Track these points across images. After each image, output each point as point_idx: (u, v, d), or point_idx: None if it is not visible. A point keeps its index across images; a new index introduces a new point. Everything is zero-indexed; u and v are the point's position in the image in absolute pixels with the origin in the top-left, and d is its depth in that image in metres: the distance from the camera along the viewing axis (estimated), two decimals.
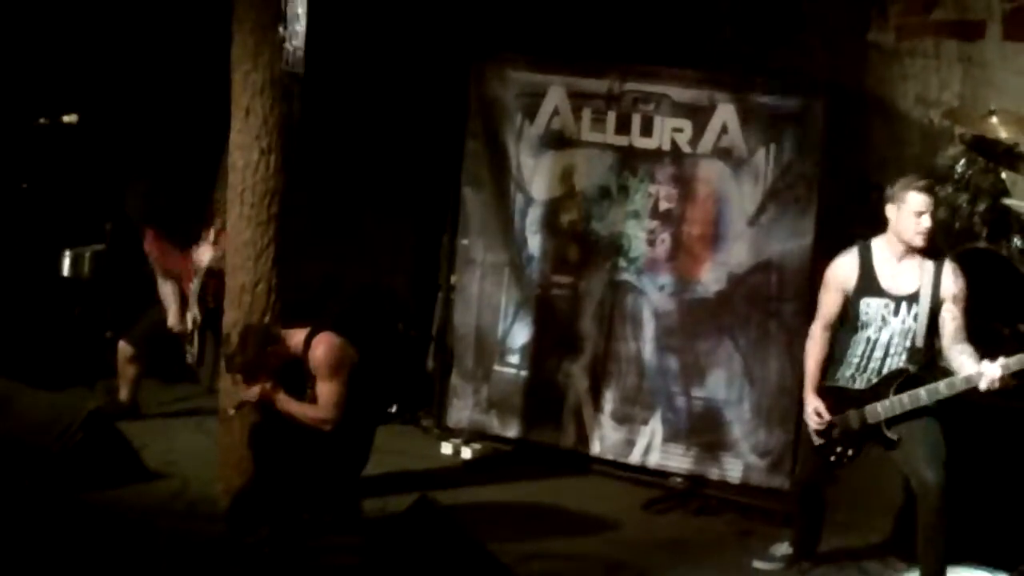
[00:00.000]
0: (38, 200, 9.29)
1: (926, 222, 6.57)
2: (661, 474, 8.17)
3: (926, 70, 8.47)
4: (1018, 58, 8.24)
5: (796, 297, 7.85)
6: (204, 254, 8.47)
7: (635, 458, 8.24)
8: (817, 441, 6.78)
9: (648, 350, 8.20)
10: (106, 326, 9.31)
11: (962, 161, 8.09)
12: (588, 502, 7.95)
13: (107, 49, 9.49)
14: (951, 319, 6.60)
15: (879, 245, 6.71)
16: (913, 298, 6.62)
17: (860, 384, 6.70)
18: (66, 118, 9.02)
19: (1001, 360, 6.41)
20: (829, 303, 6.80)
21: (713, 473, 8.07)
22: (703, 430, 8.09)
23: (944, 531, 6.58)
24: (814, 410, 6.74)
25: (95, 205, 9.37)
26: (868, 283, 6.68)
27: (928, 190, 6.61)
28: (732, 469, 8.03)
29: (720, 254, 8.04)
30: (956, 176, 8.09)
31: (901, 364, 6.63)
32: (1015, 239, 7.84)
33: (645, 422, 8.21)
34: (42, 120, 8.98)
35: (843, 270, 6.75)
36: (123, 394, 8.77)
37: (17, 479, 7.38)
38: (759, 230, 7.95)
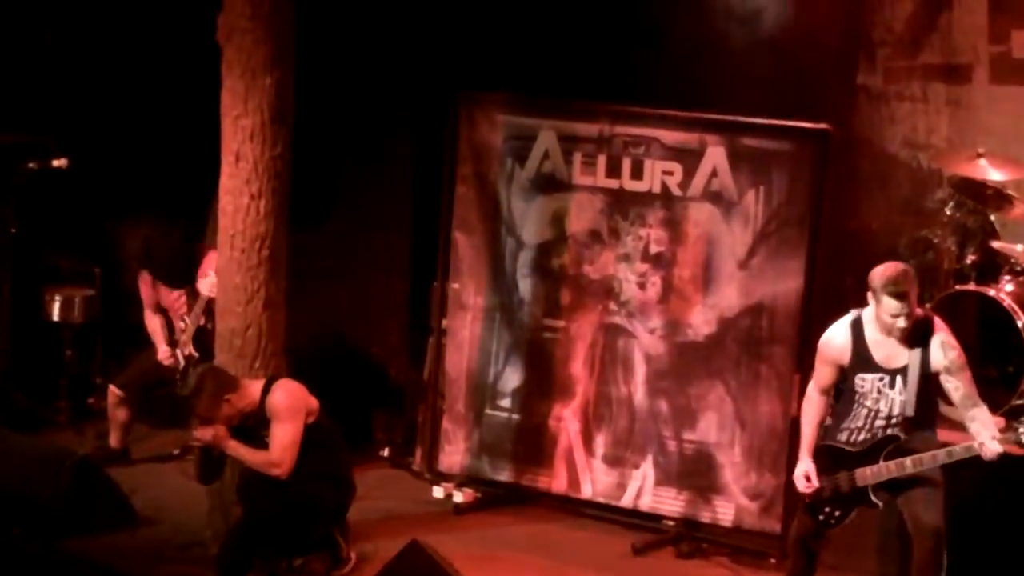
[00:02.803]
0: (28, 244, 9.28)
1: (902, 324, 6.54)
2: (653, 517, 8.14)
3: (914, 113, 8.52)
4: (1005, 101, 8.29)
5: (787, 340, 7.84)
6: (207, 285, 8.47)
7: (627, 501, 8.22)
8: (808, 500, 6.80)
9: (639, 393, 8.19)
10: (96, 371, 9.29)
11: (951, 204, 8.13)
12: (580, 546, 7.94)
13: (97, 94, 9.51)
14: (954, 389, 6.60)
15: (868, 319, 6.69)
16: (904, 371, 6.63)
17: (863, 436, 6.73)
18: (56, 162, 9.01)
19: (999, 436, 6.47)
20: (824, 374, 6.83)
21: (705, 516, 8.06)
22: (695, 473, 8.08)
23: (938, 573, 6.58)
24: (804, 474, 6.78)
25: (85, 249, 9.36)
26: (862, 360, 6.69)
27: (900, 296, 6.50)
28: (724, 512, 8.02)
29: (711, 297, 8.04)
30: (945, 218, 8.13)
31: (894, 426, 6.66)
32: (1004, 281, 7.86)
33: (636, 465, 8.19)
34: (32, 164, 8.97)
35: (836, 346, 6.76)
36: (113, 439, 8.74)
37: (6, 526, 7.36)
38: (750, 273, 7.96)
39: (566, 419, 8.36)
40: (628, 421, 8.23)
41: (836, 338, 6.77)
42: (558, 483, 8.37)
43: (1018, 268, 7.85)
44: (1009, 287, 7.81)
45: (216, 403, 7.07)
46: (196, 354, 8.52)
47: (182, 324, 8.65)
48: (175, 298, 8.69)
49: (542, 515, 8.30)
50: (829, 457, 6.77)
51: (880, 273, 6.57)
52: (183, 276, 8.62)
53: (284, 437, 7.05)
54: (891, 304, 6.52)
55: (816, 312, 7.75)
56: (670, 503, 8.13)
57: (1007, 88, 8.27)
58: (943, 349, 6.59)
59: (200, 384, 7.12)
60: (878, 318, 6.61)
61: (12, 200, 9.08)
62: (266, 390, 7.15)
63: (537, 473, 8.43)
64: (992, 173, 7.91)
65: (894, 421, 6.67)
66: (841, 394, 6.85)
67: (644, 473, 8.19)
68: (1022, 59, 8.25)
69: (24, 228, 9.13)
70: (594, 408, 8.31)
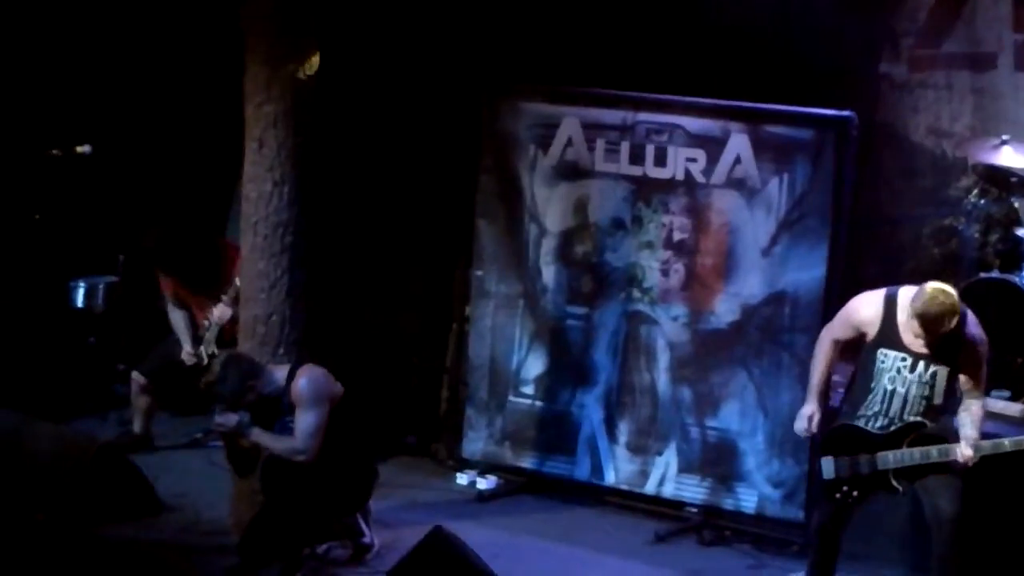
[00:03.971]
0: (51, 231, 9.30)
1: (926, 338, 6.57)
2: (676, 505, 8.14)
3: (938, 102, 8.49)
4: None
5: (809, 328, 7.81)
6: (221, 312, 8.48)
7: (649, 489, 8.22)
8: (827, 476, 6.78)
9: (662, 381, 8.19)
10: (119, 358, 9.31)
11: (974, 192, 8.13)
12: (602, 533, 7.95)
13: (120, 80, 9.52)
14: (965, 380, 6.66)
15: (905, 298, 6.69)
16: (930, 358, 6.63)
17: (881, 423, 6.72)
18: (79, 149, 9.03)
19: (974, 443, 6.57)
20: (842, 331, 6.86)
21: (727, 504, 8.06)
22: (717, 461, 8.08)
23: (958, 563, 6.58)
24: (808, 415, 6.81)
25: (108, 236, 9.38)
26: (888, 335, 6.70)
27: (926, 328, 6.51)
28: (746, 500, 8.01)
29: (733, 285, 8.03)
30: (969, 206, 8.12)
31: (918, 418, 6.65)
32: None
33: (659, 453, 8.19)
34: (55, 151, 8.98)
35: (866, 315, 6.77)
36: (137, 426, 8.77)
37: (30, 512, 7.38)
38: (772, 261, 7.95)
39: (589, 406, 8.37)
40: (651, 409, 8.23)
41: (868, 307, 6.77)
42: (581, 470, 8.38)
43: None
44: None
45: (241, 389, 7.08)
46: (220, 353, 8.49)
47: (206, 322, 8.64)
48: (196, 297, 8.68)
49: (565, 502, 8.30)
50: (850, 437, 6.75)
51: (923, 300, 6.53)
52: (207, 281, 8.58)
53: (309, 424, 7.06)
54: (914, 326, 6.56)
55: (838, 301, 7.74)
56: (693, 490, 8.13)
57: None
58: (974, 344, 6.62)
59: (224, 371, 7.14)
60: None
61: (35, 187, 9.12)
62: (291, 376, 7.16)
63: (559, 460, 8.43)
64: (1016, 160, 7.89)
65: (909, 404, 6.65)
66: (859, 370, 6.82)
67: (667, 461, 8.19)
68: None
69: (47, 215, 9.15)
70: (617, 395, 8.31)
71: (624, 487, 8.29)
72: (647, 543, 7.85)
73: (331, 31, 7.57)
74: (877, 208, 8.60)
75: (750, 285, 8.00)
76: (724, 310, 8.06)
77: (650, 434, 8.22)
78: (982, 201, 8.09)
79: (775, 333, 7.95)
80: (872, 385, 6.73)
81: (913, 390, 6.65)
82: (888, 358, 6.68)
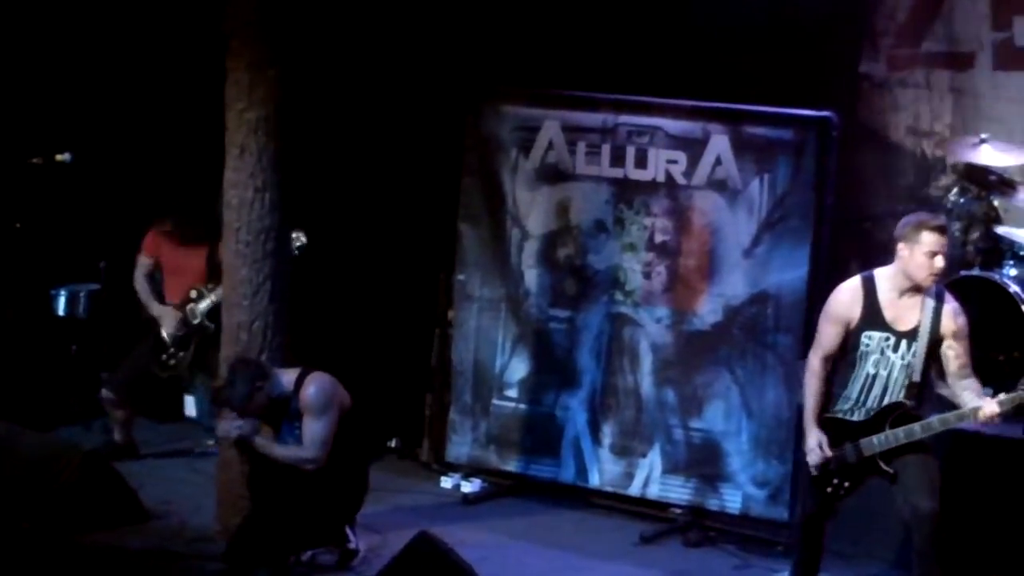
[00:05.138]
0: (32, 239, 9.28)
1: (939, 263, 6.57)
2: (661, 506, 8.16)
3: (917, 101, 8.51)
4: (1008, 87, 8.28)
5: (792, 328, 7.85)
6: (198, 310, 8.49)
7: (634, 490, 8.23)
8: (814, 472, 6.78)
9: (646, 382, 8.20)
10: (102, 365, 9.29)
11: (954, 190, 8.14)
12: (588, 535, 7.96)
13: (101, 87, 9.51)
14: (954, 356, 6.63)
15: (882, 277, 6.70)
16: (912, 335, 6.63)
17: (858, 416, 6.71)
18: (59, 157, 9.01)
19: (1001, 396, 6.47)
20: (830, 335, 6.77)
21: (712, 504, 8.07)
22: (702, 462, 8.09)
23: (938, 560, 6.59)
24: (817, 444, 6.71)
25: (90, 244, 9.36)
26: (872, 317, 6.68)
27: (941, 230, 6.59)
28: (731, 500, 8.03)
29: (716, 286, 8.05)
30: (949, 205, 8.14)
31: (899, 398, 6.65)
32: (1008, 266, 7.88)
33: (644, 454, 8.21)
34: (35, 159, 8.97)
35: (846, 301, 6.74)
36: (117, 436, 8.74)
37: (15, 520, 7.36)
38: (755, 261, 7.96)
39: (573, 409, 8.38)
40: (635, 410, 8.24)
41: (846, 293, 6.75)
42: (566, 472, 8.39)
43: (1022, 253, 7.86)
44: (1013, 272, 7.82)
45: (249, 392, 7.03)
46: (210, 326, 8.44)
47: (193, 292, 8.60)
48: (189, 256, 8.61)
49: (550, 505, 8.31)
50: (832, 429, 6.73)
51: (915, 216, 6.65)
52: (206, 231, 8.46)
53: (317, 432, 7.04)
54: (931, 240, 6.54)
55: (821, 300, 7.76)
56: (678, 492, 8.14)
57: (1010, 75, 8.26)
58: (954, 314, 6.62)
59: (232, 375, 7.10)
60: (908, 267, 6.58)
61: (16, 195, 9.10)
62: (299, 381, 7.14)
63: (544, 463, 8.44)
64: (996, 159, 7.92)
65: (890, 387, 6.65)
66: (842, 362, 6.79)
67: (651, 462, 8.20)
68: None
69: (28, 223, 9.13)
70: (601, 398, 8.32)
71: (609, 489, 8.30)
72: (633, 544, 7.86)
73: (313, 36, 7.56)
74: (858, 207, 8.62)
75: (733, 286, 8.02)
76: (707, 311, 8.08)
77: (635, 436, 8.23)
78: (962, 200, 8.10)
79: (759, 333, 7.96)
80: (854, 374, 6.73)
81: (895, 373, 6.64)
82: (872, 340, 6.68)
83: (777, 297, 7.91)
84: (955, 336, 6.61)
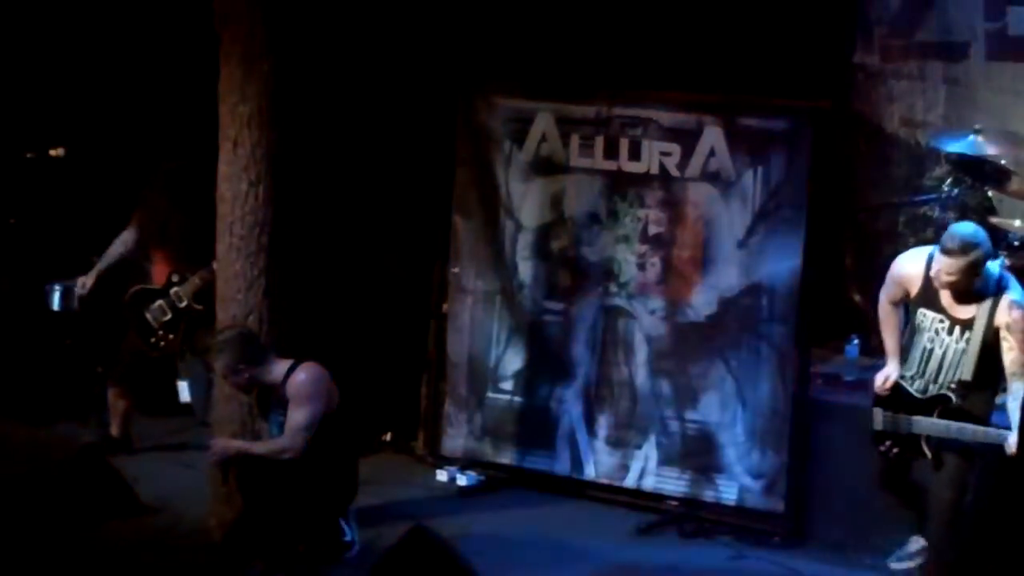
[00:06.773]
0: (26, 234, 9.28)
1: (946, 278, 6.63)
2: (656, 498, 8.16)
3: (911, 91, 8.53)
4: (1002, 78, 8.30)
5: (787, 319, 7.85)
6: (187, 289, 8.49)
7: (630, 482, 8.23)
8: (877, 426, 6.86)
9: (641, 374, 8.20)
10: (97, 360, 9.30)
11: (948, 181, 8.15)
12: (583, 527, 7.95)
13: (94, 82, 9.50)
14: (1007, 349, 6.65)
15: (938, 256, 6.73)
16: (968, 324, 6.68)
17: (918, 387, 6.80)
18: (53, 152, 9.01)
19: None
20: (893, 290, 6.94)
21: (708, 496, 8.07)
22: (697, 453, 8.09)
23: (952, 547, 6.61)
24: (886, 374, 6.86)
25: (84, 239, 9.36)
26: (928, 296, 6.78)
27: (948, 253, 6.60)
28: (727, 492, 8.02)
29: (710, 277, 8.05)
30: (943, 196, 8.15)
31: (951, 387, 6.68)
32: (1002, 256, 7.88)
33: (639, 446, 8.21)
34: (29, 154, 8.96)
35: (906, 273, 6.88)
36: (114, 429, 8.75)
37: (10, 515, 7.37)
38: (749, 252, 7.96)
39: (568, 401, 8.38)
40: (630, 402, 8.24)
41: (908, 265, 6.86)
42: (561, 465, 8.38)
43: (1016, 243, 7.87)
44: (1007, 262, 7.82)
45: (230, 369, 7.14)
46: (199, 307, 8.42)
47: (175, 276, 8.56)
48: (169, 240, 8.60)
49: (545, 497, 8.30)
50: (896, 394, 6.84)
51: (948, 234, 6.66)
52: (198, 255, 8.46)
53: (298, 420, 7.06)
54: (939, 260, 6.61)
55: (815, 291, 7.78)
56: (673, 483, 8.14)
57: (1004, 65, 8.28)
58: (1008, 307, 6.63)
59: (223, 344, 7.19)
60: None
61: (10, 190, 9.09)
62: (289, 371, 7.16)
63: (539, 455, 8.44)
64: (989, 149, 7.92)
65: (944, 369, 6.70)
66: (907, 328, 6.93)
67: (646, 454, 8.20)
68: (1018, 36, 8.25)
69: (23, 218, 9.12)
70: (596, 390, 8.32)
71: (604, 481, 8.30)
72: (628, 536, 7.86)
73: (305, 29, 7.56)
74: (853, 198, 8.63)
75: (727, 277, 8.01)
76: (701, 302, 8.08)
77: (629, 427, 8.23)
78: (956, 190, 8.12)
79: (753, 324, 7.96)
80: (914, 342, 6.79)
81: (949, 355, 6.69)
82: (927, 318, 6.75)
83: (771, 288, 7.91)
84: (1008, 328, 6.63)
